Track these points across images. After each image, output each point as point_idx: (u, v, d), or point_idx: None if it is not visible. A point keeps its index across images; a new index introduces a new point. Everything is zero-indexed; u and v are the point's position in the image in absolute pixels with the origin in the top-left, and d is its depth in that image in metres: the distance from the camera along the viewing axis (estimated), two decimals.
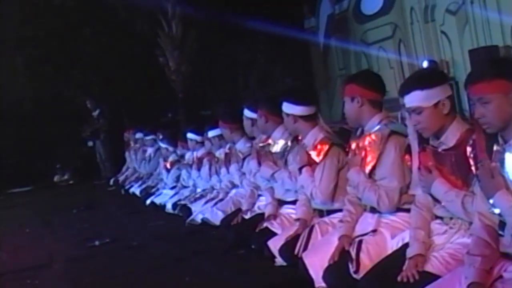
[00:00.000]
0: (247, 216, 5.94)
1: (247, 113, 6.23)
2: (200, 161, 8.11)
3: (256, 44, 15.91)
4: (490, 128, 2.89)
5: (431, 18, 12.02)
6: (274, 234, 5.10)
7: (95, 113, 14.24)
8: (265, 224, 5.36)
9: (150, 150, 11.09)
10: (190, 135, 8.49)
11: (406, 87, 3.48)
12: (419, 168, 3.58)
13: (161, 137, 10.10)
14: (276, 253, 4.79)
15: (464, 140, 3.31)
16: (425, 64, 11.57)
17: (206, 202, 7.28)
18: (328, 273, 3.90)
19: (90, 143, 14.28)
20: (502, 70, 2.89)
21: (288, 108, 5.04)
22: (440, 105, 3.40)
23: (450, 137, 3.41)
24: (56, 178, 15.58)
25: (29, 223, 9.14)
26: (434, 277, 3.16)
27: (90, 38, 16.26)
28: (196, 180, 8.23)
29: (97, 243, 6.77)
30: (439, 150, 3.45)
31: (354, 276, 3.75)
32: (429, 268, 3.30)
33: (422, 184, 3.57)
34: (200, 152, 8.22)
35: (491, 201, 2.89)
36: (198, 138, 8.33)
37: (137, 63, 15.77)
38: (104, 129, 14.13)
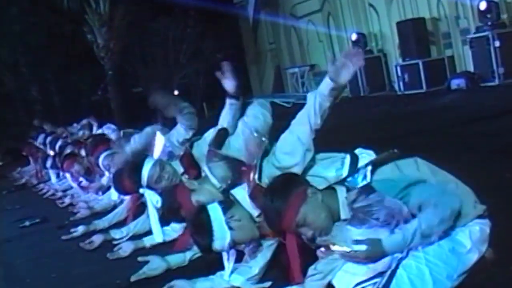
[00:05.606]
0: None
1: None
2: None
3: (186, 19, 15.80)
4: (326, 233, 2.74)
5: None
6: None
7: None
8: None
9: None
10: None
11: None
12: None
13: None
14: None
15: None
16: (353, 36, 11.72)
17: None
18: None
19: None
20: (281, 194, 2.75)
21: None
22: None
23: None
24: None
25: None
26: None
27: (17, 17, 15.88)
28: None
29: (27, 223, 6.70)
30: None
31: None
32: None
33: None
34: None
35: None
36: None
37: (66, 41, 15.51)
38: None
